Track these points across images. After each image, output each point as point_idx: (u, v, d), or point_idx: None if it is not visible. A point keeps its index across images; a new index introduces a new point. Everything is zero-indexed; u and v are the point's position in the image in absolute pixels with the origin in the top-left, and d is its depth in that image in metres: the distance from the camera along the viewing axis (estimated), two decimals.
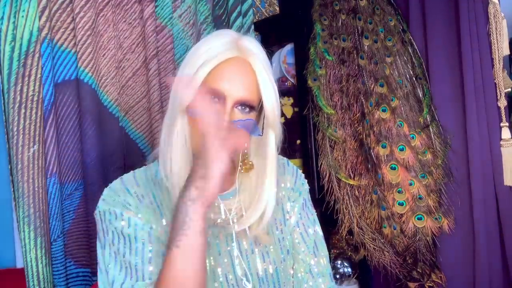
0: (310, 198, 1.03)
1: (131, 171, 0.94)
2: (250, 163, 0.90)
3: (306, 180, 1.04)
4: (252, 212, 0.90)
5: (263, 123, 0.88)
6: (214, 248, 0.90)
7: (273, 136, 0.89)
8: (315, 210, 1.03)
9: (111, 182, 0.91)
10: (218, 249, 0.90)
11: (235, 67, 0.83)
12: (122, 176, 0.92)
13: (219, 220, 0.91)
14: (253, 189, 0.91)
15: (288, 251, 0.96)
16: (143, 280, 0.80)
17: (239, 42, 0.85)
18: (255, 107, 0.86)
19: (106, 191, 0.89)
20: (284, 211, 0.98)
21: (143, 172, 0.93)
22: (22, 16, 1.30)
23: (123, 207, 0.86)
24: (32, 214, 1.30)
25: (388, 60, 1.83)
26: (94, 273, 1.39)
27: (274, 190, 0.91)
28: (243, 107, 0.84)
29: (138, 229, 0.85)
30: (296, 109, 2.09)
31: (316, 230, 1.00)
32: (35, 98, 1.32)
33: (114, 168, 1.44)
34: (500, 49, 1.59)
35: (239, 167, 0.91)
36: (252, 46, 0.86)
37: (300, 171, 1.04)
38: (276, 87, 0.86)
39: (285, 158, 1.03)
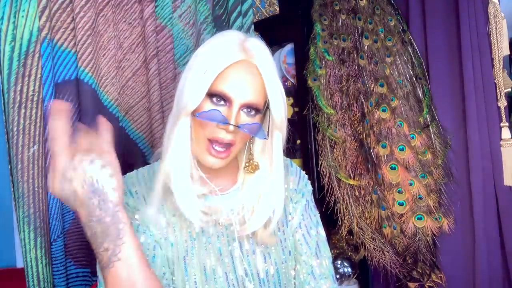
0: (313, 199, 1.03)
1: (135, 170, 0.94)
2: (256, 163, 0.90)
3: (310, 181, 1.04)
4: (256, 218, 0.89)
5: (269, 124, 0.88)
6: (215, 247, 0.90)
7: (280, 137, 0.89)
8: (318, 211, 1.03)
9: None
10: (219, 249, 0.90)
11: (241, 70, 0.83)
12: (125, 175, 0.92)
13: (221, 220, 0.91)
14: (256, 191, 0.91)
15: (289, 252, 0.96)
16: None
17: (245, 44, 0.85)
18: (261, 110, 0.86)
19: None
20: (287, 212, 0.98)
21: (146, 170, 0.93)
22: (22, 16, 1.30)
23: None
24: (32, 214, 1.30)
25: (388, 60, 1.83)
26: (94, 273, 1.39)
27: (282, 196, 0.90)
28: (249, 110, 0.84)
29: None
30: (296, 109, 2.09)
31: (319, 231, 0.99)
32: (35, 98, 1.32)
33: None
34: (500, 49, 1.59)
35: (245, 167, 0.92)
36: (258, 48, 0.85)
37: (303, 172, 1.04)
38: (282, 89, 0.86)
39: (288, 158, 1.02)
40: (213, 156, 0.84)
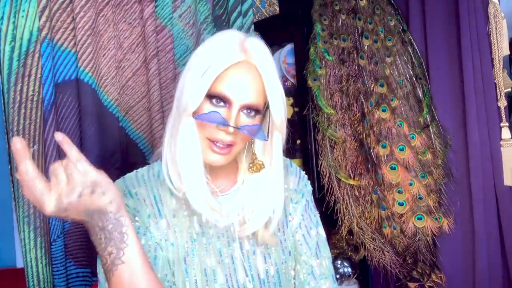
0: (313, 200, 1.03)
1: (134, 170, 0.94)
2: (260, 163, 0.90)
3: (309, 182, 1.04)
4: (256, 218, 0.89)
5: (269, 125, 0.88)
6: (216, 248, 0.89)
7: (279, 138, 0.88)
8: (318, 212, 1.03)
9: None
10: (219, 250, 0.90)
11: (241, 71, 0.82)
12: (124, 176, 0.92)
13: (221, 221, 0.90)
14: (257, 191, 0.90)
15: (289, 253, 0.96)
16: None
17: (245, 44, 0.84)
18: (261, 111, 0.85)
19: None
20: (287, 213, 0.98)
21: (145, 171, 0.93)
22: (22, 16, 1.30)
23: None
24: (32, 214, 1.30)
25: (388, 60, 1.83)
26: (94, 273, 1.39)
27: (282, 196, 0.90)
28: (249, 111, 0.84)
29: None
30: (296, 109, 2.09)
31: (319, 231, 0.99)
32: (35, 98, 1.32)
33: (114, 168, 1.44)
34: (500, 49, 1.59)
35: (249, 168, 0.91)
36: (258, 49, 0.85)
37: (303, 173, 1.04)
38: (282, 90, 0.86)
39: (288, 159, 1.02)
40: (215, 152, 0.83)
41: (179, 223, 0.88)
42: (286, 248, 0.95)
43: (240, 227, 0.90)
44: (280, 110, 0.85)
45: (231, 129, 0.81)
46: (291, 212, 0.98)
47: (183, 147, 0.84)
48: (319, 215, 1.02)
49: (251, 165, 0.91)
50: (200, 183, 0.84)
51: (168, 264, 0.87)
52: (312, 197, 1.03)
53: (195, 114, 0.82)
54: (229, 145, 0.83)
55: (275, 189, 0.89)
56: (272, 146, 0.89)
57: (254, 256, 0.91)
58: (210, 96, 0.82)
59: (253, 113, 0.84)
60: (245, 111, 0.83)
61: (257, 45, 0.85)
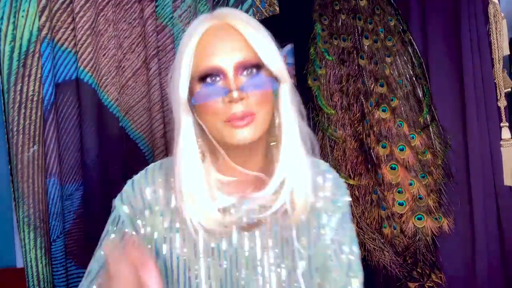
0: (350, 212, 0.91)
1: (159, 161, 0.86)
2: (273, 138, 0.80)
3: (348, 191, 0.91)
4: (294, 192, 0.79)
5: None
6: (236, 257, 0.82)
7: (285, 88, 0.79)
8: (354, 226, 0.92)
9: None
10: (244, 259, 0.82)
11: (217, 34, 0.75)
12: (147, 167, 0.85)
13: (245, 222, 0.81)
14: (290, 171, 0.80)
15: (317, 269, 0.86)
16: None
17: (213, 12, 0.79)
18: (261, 65, 0.76)
19: (129, 181, 0.82)
20: (320, 225, 0.87)
21: (165, 163, 0.85)
22: (22, 16, 1.30)
23: None
24: (32, 214, 1.30)
25: (388, 60, 1.83)
26: None
27: (301, 164, 0.79)
28: (249, 70, 0.75)
29: None
30: None
31: (353, 249, 0.87)
32: (35, 98, 1.32)
33: (114, 168, 1.44)
34: (500, 49, 1.59)
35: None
36: (228, 10, 0.80)
37: (342, 180, 0.91)
38: (269, 37, 0.79)
39: (326, 163, 0.91)
40: (239, 127, 0.73)
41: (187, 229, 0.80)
42: (314, 263, 0.85)
43: (283, 215, 0.81)
44: (272, 56, 0.76)
45: (235, 94, 0.71)
46: (324, 224, 0.87)
47: (181, 145, 0.77)
48: (355, 230, 0.91)
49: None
50: (200, 197, 0.76)
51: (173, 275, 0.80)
52: (349, 210, 0.91)
53: (192, 99, 0.75)
54: (249, 115, 0.73)
55: (289, 153, 0.78)
56: (280, 100, 0.79)
57: (279, 269, 0.83)
58: (200, 78, 0.75)
59: (254, 71, 0.75)
60: (244, 72, 0.74)
61: (225, 8, 0.81)
